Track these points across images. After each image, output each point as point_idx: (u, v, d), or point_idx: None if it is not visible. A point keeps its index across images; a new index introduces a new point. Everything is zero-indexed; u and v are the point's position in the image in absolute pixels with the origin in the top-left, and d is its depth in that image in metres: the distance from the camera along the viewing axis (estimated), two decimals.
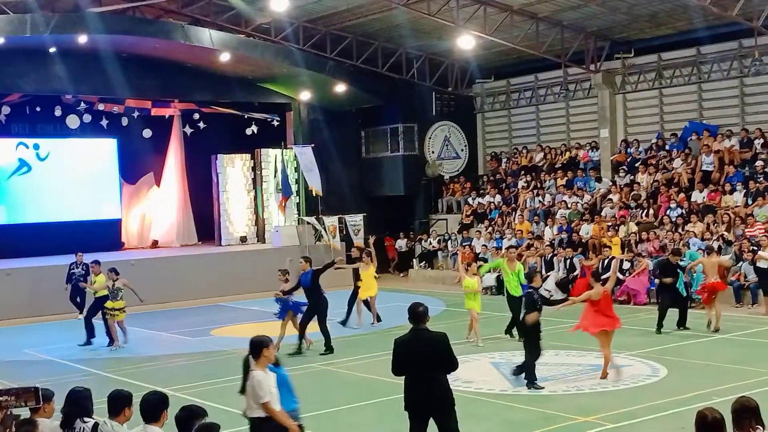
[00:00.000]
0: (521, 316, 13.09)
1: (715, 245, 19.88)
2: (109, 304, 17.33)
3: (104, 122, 28.14)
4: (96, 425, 6.27)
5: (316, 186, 28.55)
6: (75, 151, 28.46)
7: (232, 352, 15.52)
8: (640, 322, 17.96)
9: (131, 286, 17.70)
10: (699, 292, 17.78)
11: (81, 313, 19.70)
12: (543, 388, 12.44)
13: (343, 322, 19.11)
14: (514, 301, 16.15)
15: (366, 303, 19.37)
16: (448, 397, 8.15)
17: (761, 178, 22.53)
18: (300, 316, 16.07)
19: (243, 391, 7.79)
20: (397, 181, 30.86)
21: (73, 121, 27.53)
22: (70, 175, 28.19)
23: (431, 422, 8.20)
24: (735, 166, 23.41)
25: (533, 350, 12.61)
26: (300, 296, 16.31)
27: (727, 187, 22.95)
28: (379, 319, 19.19)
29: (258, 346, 7.73)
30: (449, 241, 28.41)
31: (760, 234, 20.32)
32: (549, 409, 11.44)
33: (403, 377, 8.22)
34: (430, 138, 31.14)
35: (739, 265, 19.92)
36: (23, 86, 25.47)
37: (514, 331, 16.13)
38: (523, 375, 12.68)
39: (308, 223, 28.50)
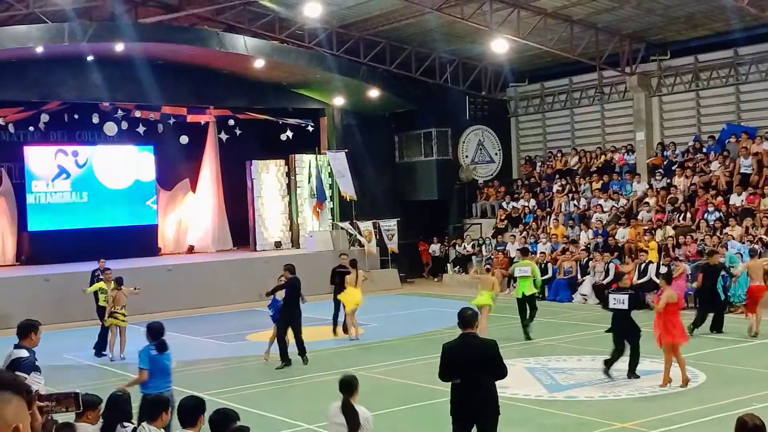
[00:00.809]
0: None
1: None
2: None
3: (141, 129, 28.47)
4: (134, 430, 6.35)
5: (349, 191, 28.64)
6: (112, 157, 28.81)
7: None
8: None
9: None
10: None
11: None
12: (639, 377, 13.06)
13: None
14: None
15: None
16: (495, 405, 8.15)
17: None
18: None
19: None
20: (430, 186, 30.83)
21: (110, 129, 27.87)
22: (107, 182, 28.56)
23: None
24: None
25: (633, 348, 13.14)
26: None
27: (767, 190, 22.62)
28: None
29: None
30: (483, 246, 28.33)
31: None
32: (585, 414, 11.36)
33: (450, 383, 8.19)
34: (463, 142, 31.08)
35: None
36: (62, 94, 25.85)
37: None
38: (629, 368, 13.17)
39: (342, 228, 28.59)
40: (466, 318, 8.21)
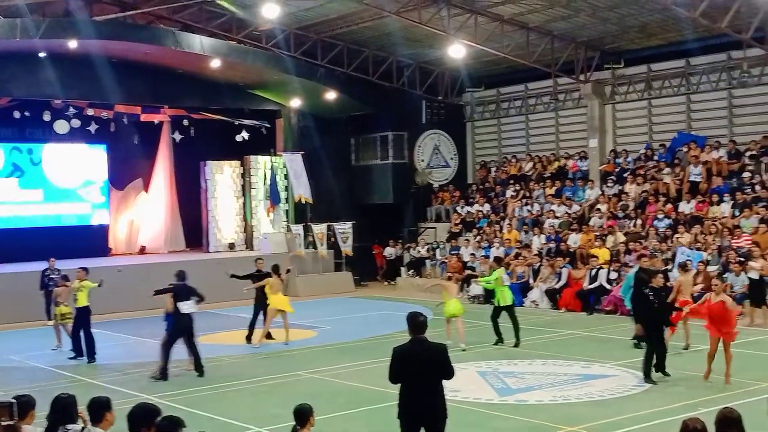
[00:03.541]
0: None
1: (707, 257, 20.10)
2: (65, 309, 17.34)
3: (93, 127, 28.02)
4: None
5: (305, 193, 28.56)
6: (63, 156, 28.37)
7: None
8: (626, 333, 18.00)
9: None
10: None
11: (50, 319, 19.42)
12: (655, 383, 13.06)
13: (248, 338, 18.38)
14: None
15: (264, 314, 18.01)
16: (444, 408, 8.23)
17: (748, 190, 22.66)
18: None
19: None
20: (386, 189, 30.88)
21: (61, 126, 27.43)
22: (57, 180, 28.14)
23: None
24: (723, 177, 23.52)
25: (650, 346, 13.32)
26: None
27: (715, 198, 23.05)
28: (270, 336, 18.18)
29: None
30: (438, 250, 28.43)
31: (746, 245, 20.42)
32: (535, 418, 11.45)
33: (399, 386, 8.22)
34: (419, 146, 31.18)
35: (725, 275, 19.97)
36: (12, 90, 25.39)
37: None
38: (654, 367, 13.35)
39: (294, 232, 28.49)
40: (417, 323, 8.27)
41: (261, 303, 17.98)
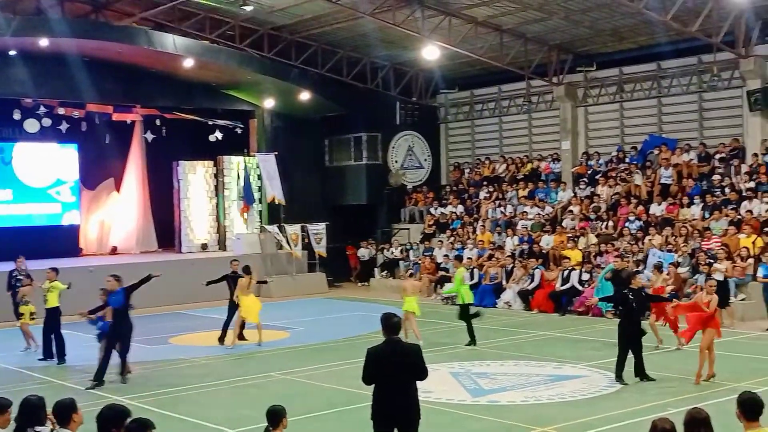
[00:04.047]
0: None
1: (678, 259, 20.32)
2: (31, 308, 17.20)
3: (64, 127, 27.77)
4: None
5: (277, 194, 28.47)
6: (34, 155, 28.07)
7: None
8: (597, 334, 18.15)
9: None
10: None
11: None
12: (627, 384, 13.11)
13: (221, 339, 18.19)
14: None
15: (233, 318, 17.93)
16: (418, 408, 8.24)
17: (718, 192, 22.91)
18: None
19: None
20: (360, 190, 30.87)
21: (32, 125, 27.14)
22: (28, 180, 27.84)
23: None
24: (695, 179, 23.76)
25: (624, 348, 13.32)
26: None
27: (685, 201, 23.28)
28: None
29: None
30: (411, 251, 28.47)
31: (716, 247, 20.64)
32: (507, 419, 11.49)
33: (372, 387, 8.21)
34: (393, 147, 31.21)
35: (695, 277, 20.19)
36: None
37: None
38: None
39: (269, 231, 28.41)
40: (391, 324, 8.28)
41: (235, 304, 17.89)
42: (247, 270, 18.12)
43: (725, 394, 12.08)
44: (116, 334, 14.40)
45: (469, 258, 25.20)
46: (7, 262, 22.22)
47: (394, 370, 8.08)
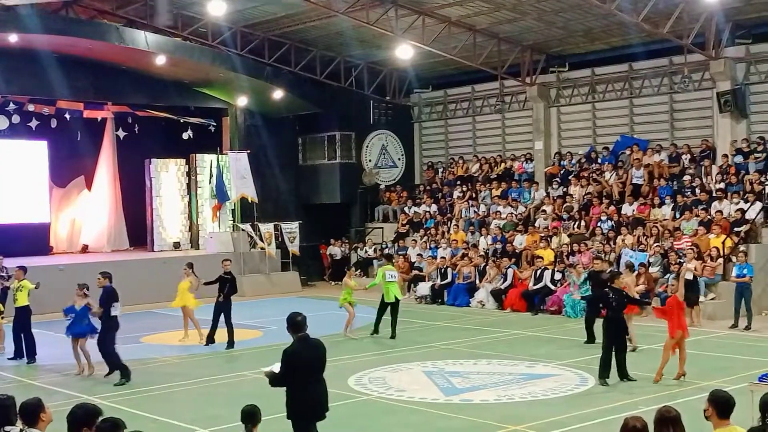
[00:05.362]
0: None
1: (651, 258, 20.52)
2: None
3: (34, 123, 27.50)
4: None
5: (250, 193, 28.32)
6: (2, 152, 27.73)
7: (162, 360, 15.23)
8: (569, 333, 18.26)
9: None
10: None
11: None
12: (608, 385, 13.09)
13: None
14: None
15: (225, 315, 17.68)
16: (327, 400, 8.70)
17: (688, 193, 23.13)
18: (88, 338, 14.72)
19: None
20: (333, 189, 30.82)
21: (1, 122, 26.83)
22: None
23: None
24: (666, 180, 23.97)
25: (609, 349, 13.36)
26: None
27: (657, 201, 23.49)
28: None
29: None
30: (385, 250, 28.44)
31: (687, 247, 20.84)
32: (480, 417, 11.53)
33: (284, 387, 8.44)
34: (367, 146, 31.21)
35: (666, 276, 20.38)
36: None
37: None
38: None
39: (243, 229, 28.29)
40: (296, 322, 8.68)
41: (221, 304, 17.53)
42: (190, 266, 18.54)
43: (694, 392, 12.21)
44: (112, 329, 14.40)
45: (442, 257, 25.28)
46: None
47: (313, 365, 8.50)
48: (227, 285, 17.54)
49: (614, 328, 13.49)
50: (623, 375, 13.45)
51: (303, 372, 8.39)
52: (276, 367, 8.44)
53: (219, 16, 24.13)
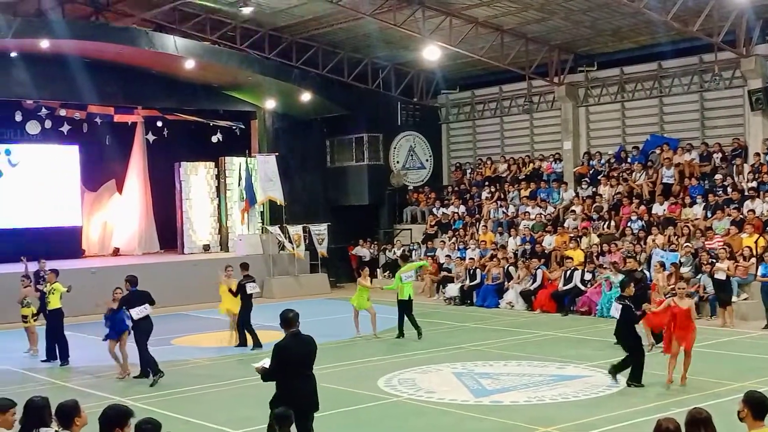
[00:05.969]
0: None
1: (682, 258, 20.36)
2: (32, 310, 17.20)
3: (65, 128, 27.85)
4: None
5: (278, 196, 28.43)
6: (35, 157, 28.10)
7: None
8: (600, 333, 18.14)
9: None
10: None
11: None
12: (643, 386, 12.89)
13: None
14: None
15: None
16: (317, 396, 8.80)
17: (720, 192, 22.89)
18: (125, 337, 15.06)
19: None
20: (361, 191, 30.87)
21: (33, 127, 27.21)
22: (30, 182, 27.86)
23: None
24: (697, 179, 23.75)
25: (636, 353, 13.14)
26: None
27: (687, 200, 23.27)
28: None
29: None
30: (413, 251, 28.44)
31: (719, 246, 20.63)
32: (510, 419, 11.49)
33: (274, 382, 8.56)
34: (395, 148, 31.22)
35: (698, 277, 20.19)
36: None
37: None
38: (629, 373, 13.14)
39: (271, 232, 28.42)
40: (287, 319, 8.80)
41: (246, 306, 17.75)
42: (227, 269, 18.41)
43: (727, 394, 12.08)
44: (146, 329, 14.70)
45: (471, 258, 25.23)
46: (9, 264, 22.30)
47: (303, 360, 8.63)
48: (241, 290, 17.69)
49: (635, 336, 13.40)
50: (635, 379, 13.21)
51: (293, 367, 8.56)
52: (267, 363, 8.59)
53: (247, 20, 24.21)
